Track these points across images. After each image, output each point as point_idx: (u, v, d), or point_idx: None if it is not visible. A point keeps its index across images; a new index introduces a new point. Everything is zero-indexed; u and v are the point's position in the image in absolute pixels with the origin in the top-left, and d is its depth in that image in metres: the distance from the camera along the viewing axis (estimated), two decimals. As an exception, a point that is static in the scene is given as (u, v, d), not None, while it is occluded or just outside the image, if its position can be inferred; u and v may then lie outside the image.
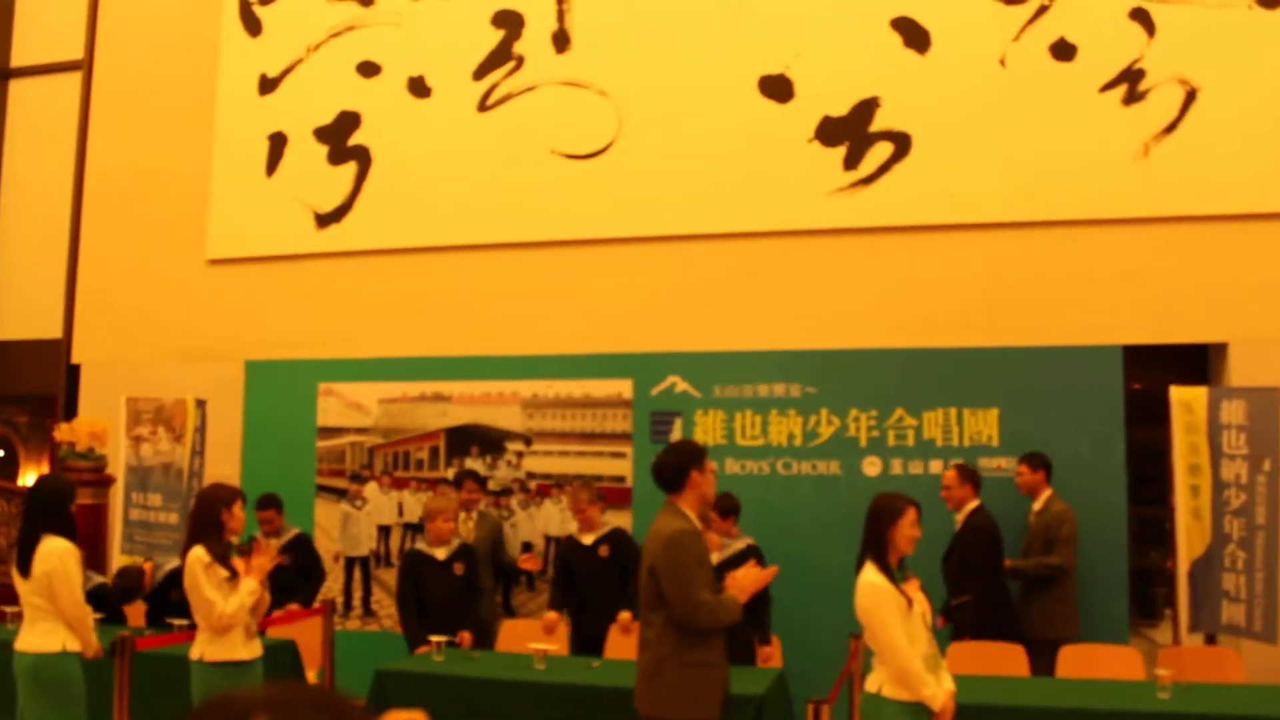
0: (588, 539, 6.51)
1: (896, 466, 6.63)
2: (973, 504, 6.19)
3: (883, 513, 4.15)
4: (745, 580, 4.22)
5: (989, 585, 5.97)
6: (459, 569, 6.25)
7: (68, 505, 5.04)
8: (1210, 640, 6.29)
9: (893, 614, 3.97)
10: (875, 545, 4.11)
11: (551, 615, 6.20)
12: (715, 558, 6.11)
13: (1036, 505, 6.31)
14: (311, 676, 6.06)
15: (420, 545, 6.36)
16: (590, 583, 6.43)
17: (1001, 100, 7.05)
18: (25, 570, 4.78)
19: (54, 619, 4.77)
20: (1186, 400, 6.14)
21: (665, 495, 4.22)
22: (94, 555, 7.47)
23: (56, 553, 4.77)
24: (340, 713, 0.91)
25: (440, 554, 6.22)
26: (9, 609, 6.40)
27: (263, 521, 6.75)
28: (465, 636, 6.01)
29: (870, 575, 4.03)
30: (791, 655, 6.17)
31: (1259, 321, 6.65)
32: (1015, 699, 4.64)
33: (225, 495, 4.71)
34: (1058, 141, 6.93)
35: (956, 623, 5.97)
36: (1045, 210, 6.93)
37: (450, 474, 7.49)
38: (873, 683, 4.02)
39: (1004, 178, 6.99)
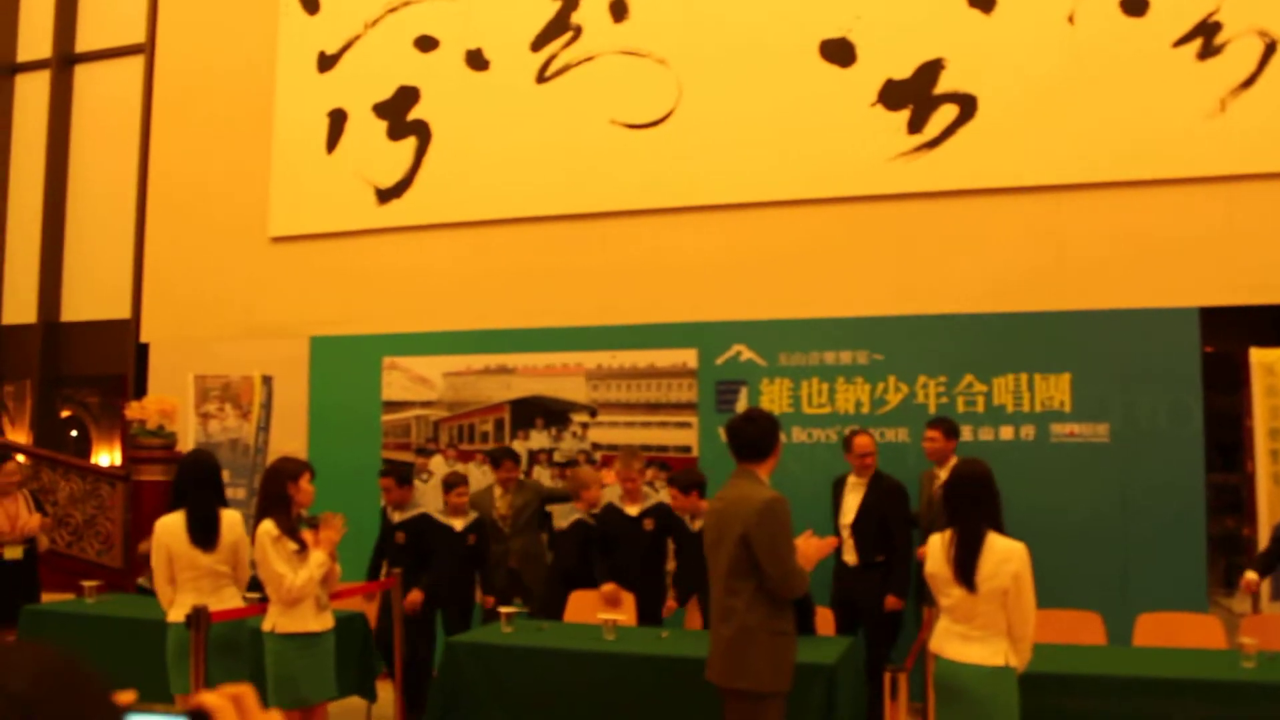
0: (632, 510, 6.43)
1: (966, 433, 6.50)
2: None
3: (989, 478, 4.05)
4: (809, 550, 4.16)
5: (908, 544, 6.18)
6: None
7: (220, 477, 5.22)
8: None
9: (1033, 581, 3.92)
10: (992, 512, 4.01)
11: (609, 586, 6.14)
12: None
13: (943, 473, 6.14)
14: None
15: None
16: (633, 556, 6.31)
17: (1070, 58, 6.87)
18: (210, 543, 4.89)
19: (237, 585, 5.07)
20: (1268, 362, 5.98)
21: (739, 463, 4.16)
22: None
23: (241, 521, 5.04)
24: (49, 666, 0.81)
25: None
26: (88, 584, 6.53)
27: (383, 489, 6.76)
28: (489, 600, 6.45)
29: (1013, 542, 3.92)
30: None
31: (1341, 280, 6.44)
32: (1098, 668, 4.55)
33: (292, 469, 4.73)
34: (1129, 100, 6.73)
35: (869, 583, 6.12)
36: (1117, 171, 6.76)
37: (515, 446, 7.50)
38: (992, 655, 3.88)
39: (1073, 138, 6.82)
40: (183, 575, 4.91)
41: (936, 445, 6.23)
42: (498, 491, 6.93)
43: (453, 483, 6.63)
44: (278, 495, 4.65)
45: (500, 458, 7.00)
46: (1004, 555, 3.88)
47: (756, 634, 3.98)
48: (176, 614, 4.84)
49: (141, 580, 6.65)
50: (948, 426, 6.28)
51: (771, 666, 3.99)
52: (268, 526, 4.54)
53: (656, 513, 6.43)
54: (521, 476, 7.15)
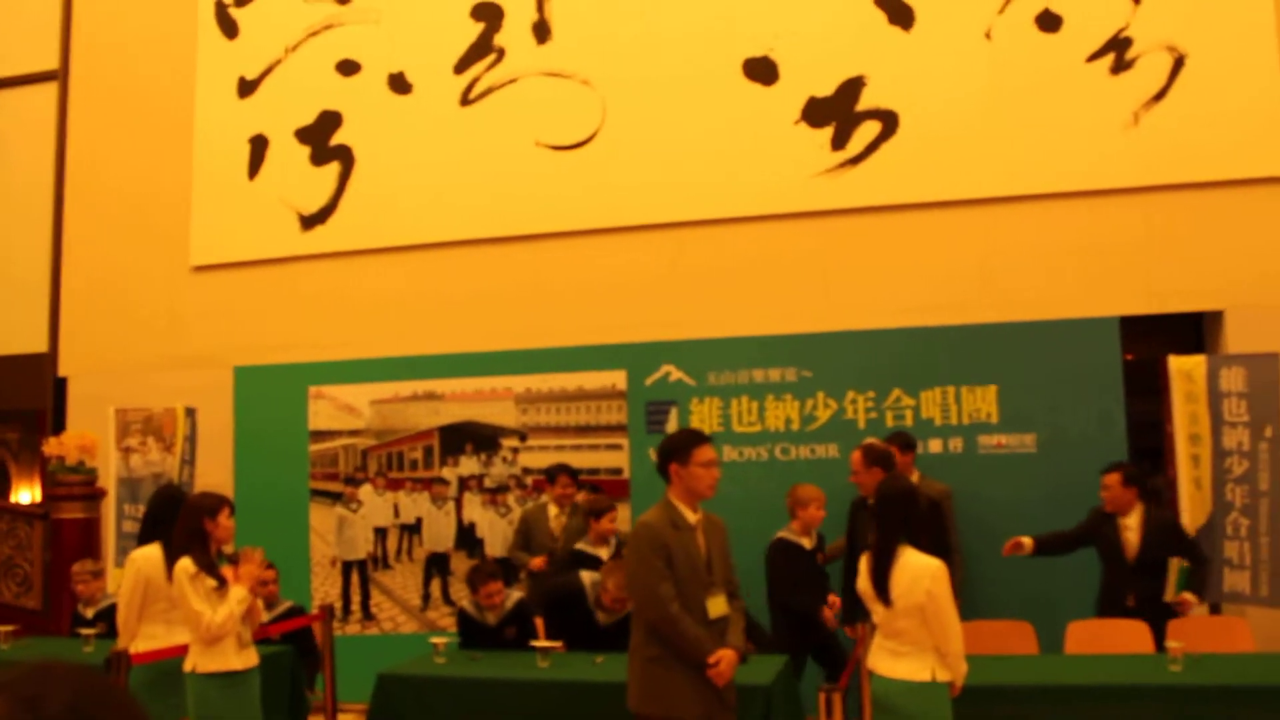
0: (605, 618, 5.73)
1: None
2: None
3: (912, 496, 4.08)
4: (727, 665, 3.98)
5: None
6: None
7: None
8: (1215, 609, 6.24)
9: (952, 596, 3.93)
10: (911, 529, 4.03)
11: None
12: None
13: None
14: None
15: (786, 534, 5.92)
16: None
17: (988, 74, 6.98)
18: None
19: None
20: (1186, 369, 6.08)
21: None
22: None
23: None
24: (85, 687, 0.79)
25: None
26: (2, 628, 6.33)
27: None
28: None
29: (927, 558, 3.94)
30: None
31: (1255, 288, 6.60)
32: (1028, 678, 4.58)
33: (209, 504, 4.63)
34: (1046, 113, 6.87)
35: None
36: (1036, 183, 6.88)
37: (445, 473, 7.42)
38: (919, 670, 3.90)
39: (993, 152, 6.93)
40: (157, 606, 4.89)
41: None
42: (553, 510, 6.63)
43: (602, 509, 6.18)
44: (195, 531, 4.54)
45: (556, 475, 6.68)
46: (918, 572, 3.90)
47: (634, 657, 4.04)
48: (141, 646, 4.83)
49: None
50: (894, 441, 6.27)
51: (644, 690, 3.98)
52: (185, 564, 4.43)
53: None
54: (579, 498, 6.69)
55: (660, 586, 3.89)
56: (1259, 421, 5.88)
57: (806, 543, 5.92)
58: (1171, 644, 4.72)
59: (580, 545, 6.19)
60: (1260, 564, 5.85)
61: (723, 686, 3.97)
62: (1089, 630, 5.49)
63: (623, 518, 6.82)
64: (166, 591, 4.82)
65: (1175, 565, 5.53)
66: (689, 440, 4.15)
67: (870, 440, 6.06)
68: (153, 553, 4.91)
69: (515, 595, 5.96)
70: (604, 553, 6.12)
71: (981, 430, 6.65)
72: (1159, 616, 5.44)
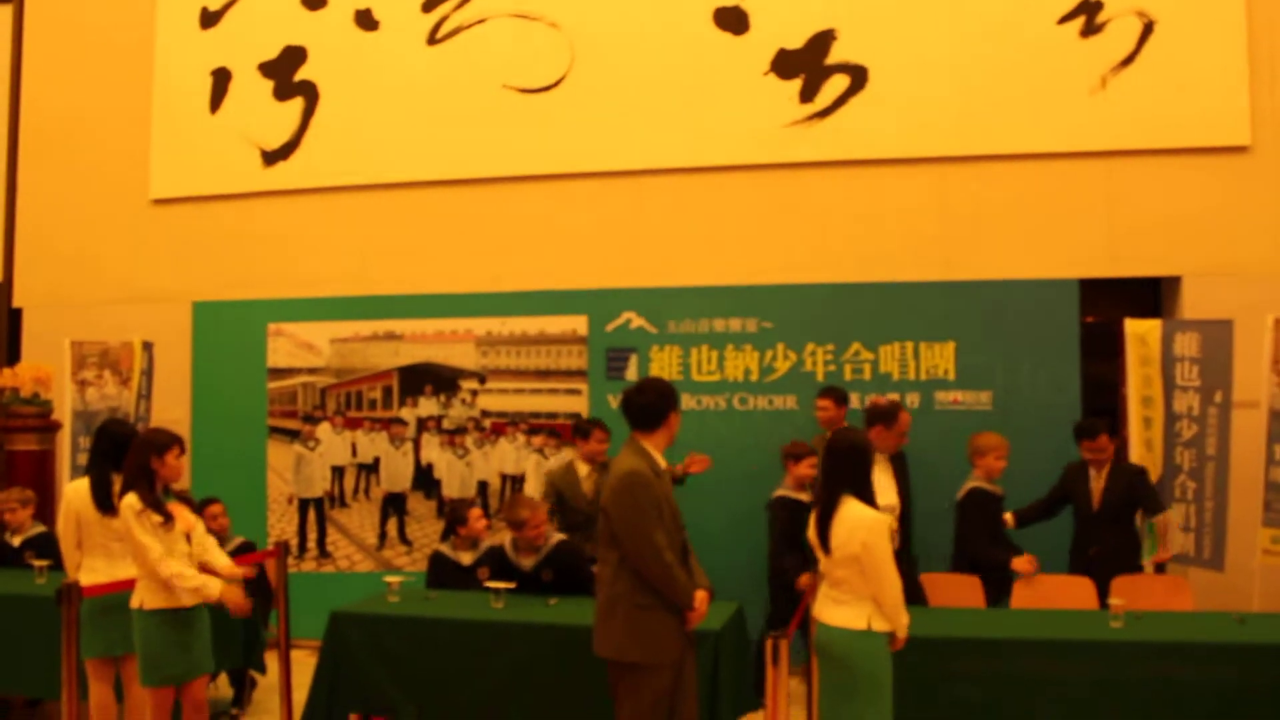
0: (527, 561, 5.55)
1: (854, 401, 6.60)
2: None
3: (865, 450, 4.13)
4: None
5: None
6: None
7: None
8: (1160, 569, 6.36)
9: (890, 548, 3.98)
10: (859, 481, 4.07)
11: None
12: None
13: None
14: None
15: None
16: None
17: (959, 32, 6.98)
18: (111, 507, 4.71)
19: None
20: (1141, 333, 6.16)
21: (631, 432, 4.15)
22: (41, 502, 7.33)
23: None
24: None
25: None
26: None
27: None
28: None
29: (867, 510, 4.00)
30: (746, 590, 6.15)
31: (1212, 255, 6.68)
32: (971, 631, 4.66)
33: (159, 442, 4.56)
34: (1015, 74, 6.88)
35: None
36: (1002, 143, 6.91)
37: (403, 413, 7.41)
38: (856, 618, 3.96)
39: (961, 110, 6.95)
40: (93, 540, 4.83)
41: (829, 414, 6.33)
42: (583, 470, 6.31)
43: (802, 453, 5.83)
44: (142, 468, 4.48)
45: (589, 428, 6.31)
46: (855, 524, 3.96)
47: (619, 605, 4.03)
48: (85, 578, 4.76)
49: None
50: (838, 395, 6.38)
51: (631, 638, 4.01)
52: (131, 500, 4.39)
53: (556, 558, 5.55)
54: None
55: (656, 535, 3.95)
56: (1209, 387, 5.97)
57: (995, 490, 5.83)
58: (1114, 601, 4.81)
59: (781, 491, 5.85)
60: (1205, 527, 5.97)
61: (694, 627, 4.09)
62: (1034, 585, 5.57)
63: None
64: (104, 524, 4.79)
65: (1144, 523, 5.60)
66: (673, 389, 4.24)
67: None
68: (81, 486, 4.85)
69: (491, 540, 5.92)
70: (804, 497, 5.79)
71: (939, 387, 6.71)
72: (1121, 568, 5.52)
